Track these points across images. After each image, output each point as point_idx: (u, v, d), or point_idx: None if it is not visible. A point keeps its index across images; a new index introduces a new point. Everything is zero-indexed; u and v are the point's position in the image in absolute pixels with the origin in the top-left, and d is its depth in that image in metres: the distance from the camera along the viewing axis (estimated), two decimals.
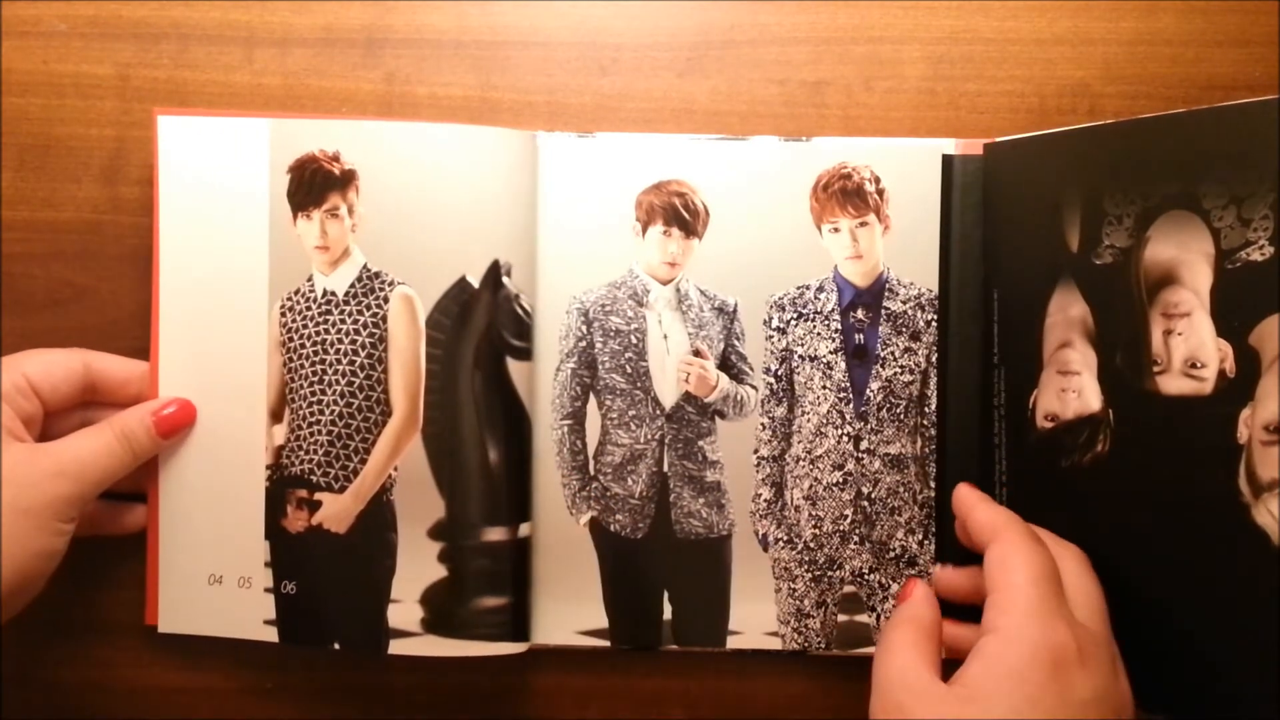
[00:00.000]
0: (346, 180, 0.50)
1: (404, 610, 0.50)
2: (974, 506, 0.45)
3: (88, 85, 0.53)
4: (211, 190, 0.50)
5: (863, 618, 0.51)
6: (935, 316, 0.50)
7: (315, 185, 0.50)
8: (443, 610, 0.50)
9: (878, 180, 0.50)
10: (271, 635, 0.51)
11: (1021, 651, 0.38)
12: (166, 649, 0.52)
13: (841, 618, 0.51)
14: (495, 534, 0.50)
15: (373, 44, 0.52)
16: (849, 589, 0.51)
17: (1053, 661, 0.38)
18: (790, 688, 0.53)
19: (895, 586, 0.51)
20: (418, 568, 0.50)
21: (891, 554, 0.51)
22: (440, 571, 0.50)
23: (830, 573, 0.51)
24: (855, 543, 0.51)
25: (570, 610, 0.51)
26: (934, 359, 0.50)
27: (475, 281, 0.49)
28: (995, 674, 0.38)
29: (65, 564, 0.46)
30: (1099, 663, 0.39)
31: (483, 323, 0.50)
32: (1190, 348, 0.42)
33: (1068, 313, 0.47)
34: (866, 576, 0.51)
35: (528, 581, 0.51)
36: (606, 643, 0.51)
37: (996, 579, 0.41)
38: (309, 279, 0.50)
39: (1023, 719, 0.37)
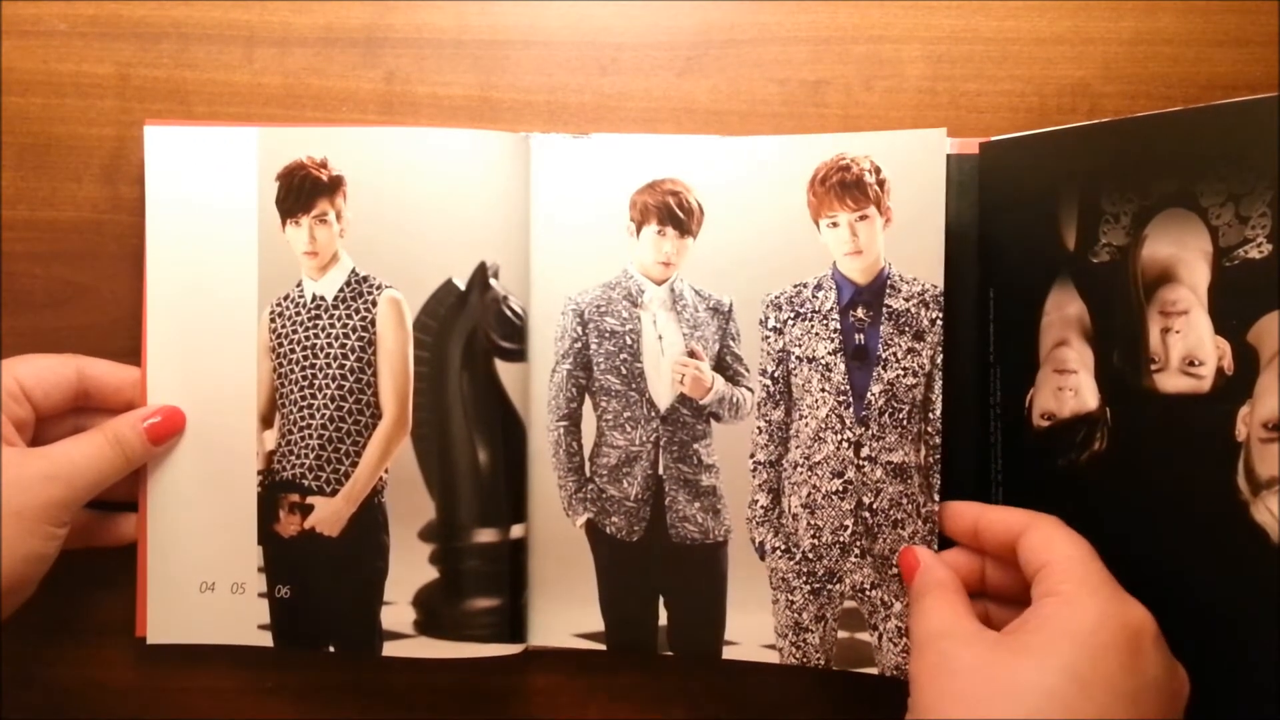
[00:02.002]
0: (334, 186, 0.50)
1: (397, 612, 0.51)
2: (983, 511, 0.46)
3: (88, 85, 0.53)
4: (201, 199, 0.51)
5: (864, 636, 0.50)
6: (940, 314, 0.48)
7: (304, 192, 0.50)
8: (435, 612, 0.50)
9: (878, 171, 0.49)
10: (266, 640, 0.51)
11: (1087, 616, 0.38)
12: (166, 649, 0.53)
13: (842, 634, 0.50)
14: (487, 535, 0.50)
15: (373, 44, 0.53)
16: (849, 604, 0.50)
17: (1129, 634, 0.38)
18: (791, 688, 0.53)
19: (899, 605, 0.49)
20: (410, 570, 0.50)
21: (894, 570, 0.49)
22: (432, 573, 0.50)
23: (830, 586, 0.50)
24: (856, 555, 0.49)
25: (568, 612, 0.52)
26: (939, 360, 0.48)
27: (462, 284, 0.50)
28: (1055, 631, 0.38)
29: (65, 565, 0.47)
30: (1165, 646, 0.39)
31: (469, 324, 0.50)
32: (1188, 345, 0.42)
33: (1064, 311, 0.47)
34: (868, 592, 0.50)
35: (523, 583, 0.51)
36: (602, 646, 0.52)
37: (1043, 557, 0.41)
38: (298, 284, 0.51)
39: (1084, 679, 0.36)
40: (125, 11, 0.53)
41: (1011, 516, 0.44)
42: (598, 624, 0.52)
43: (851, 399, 0.49)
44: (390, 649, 0.50)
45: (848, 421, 0.49)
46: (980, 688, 0.37)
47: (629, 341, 0.51)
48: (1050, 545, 0.41)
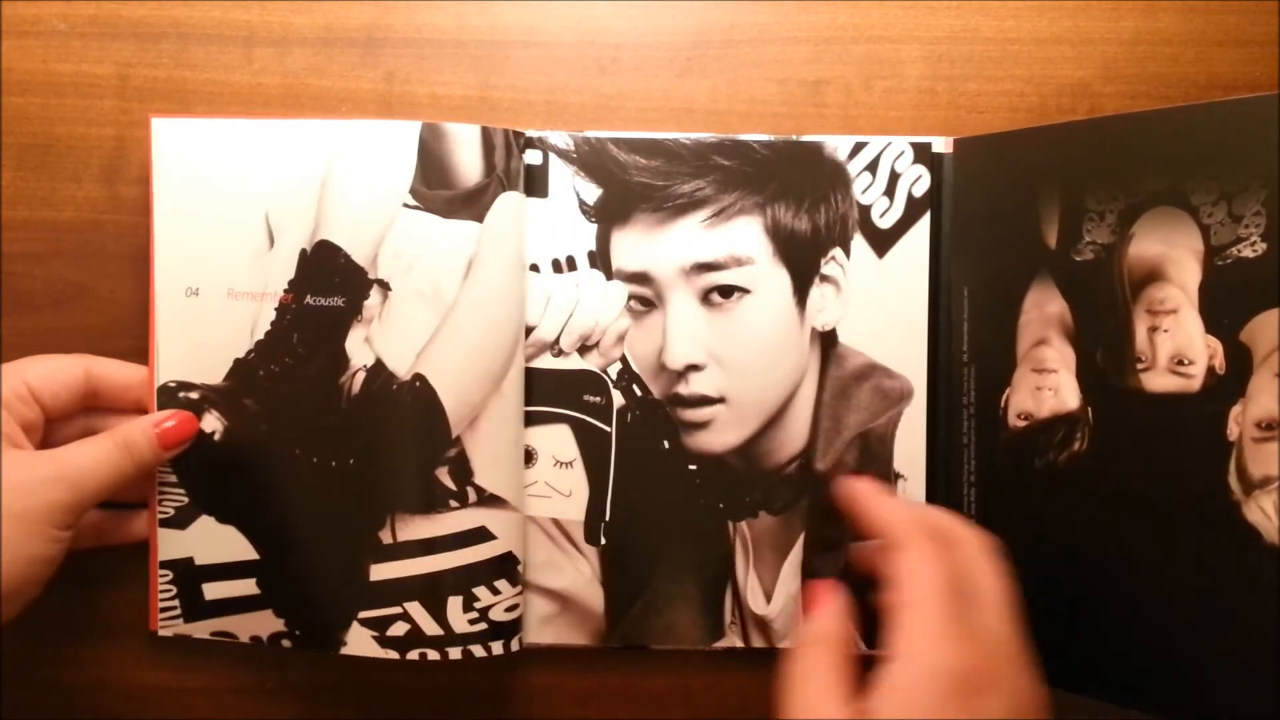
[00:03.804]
0: None
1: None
2: (871, 501, 0.45)
3: (88, 85, 0.54)
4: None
5: None
6: None
7: None
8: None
9: None
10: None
11: (921, 679, 0.38)
12: (167, 649, 0.54)
13: None
14: None
15: (373, 44, 0.54)
16: None
17: (955, 688, 0.38)
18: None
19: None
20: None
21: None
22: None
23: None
24: None
25: None
26: None
27: None
28: (893, 703, 0.38)
29: (68, 565, 0.47)
30: (1006, 679, 0.39)
31: None
32: (1177, 344, 0.43)
33: (1044, 310, 0.48)
34: None
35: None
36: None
37: (898, 594, 0.40)
38: None
39: None
40: (125, 11, 0.54)
41: (889, 522, 0.43)
42: None
43: None
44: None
45: None
46: None
47: None
48: (904, 583, 0.41)
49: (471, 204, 0.51)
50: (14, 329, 0.54)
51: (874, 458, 0.53)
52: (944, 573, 0.40)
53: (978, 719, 0.37)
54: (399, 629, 0.51)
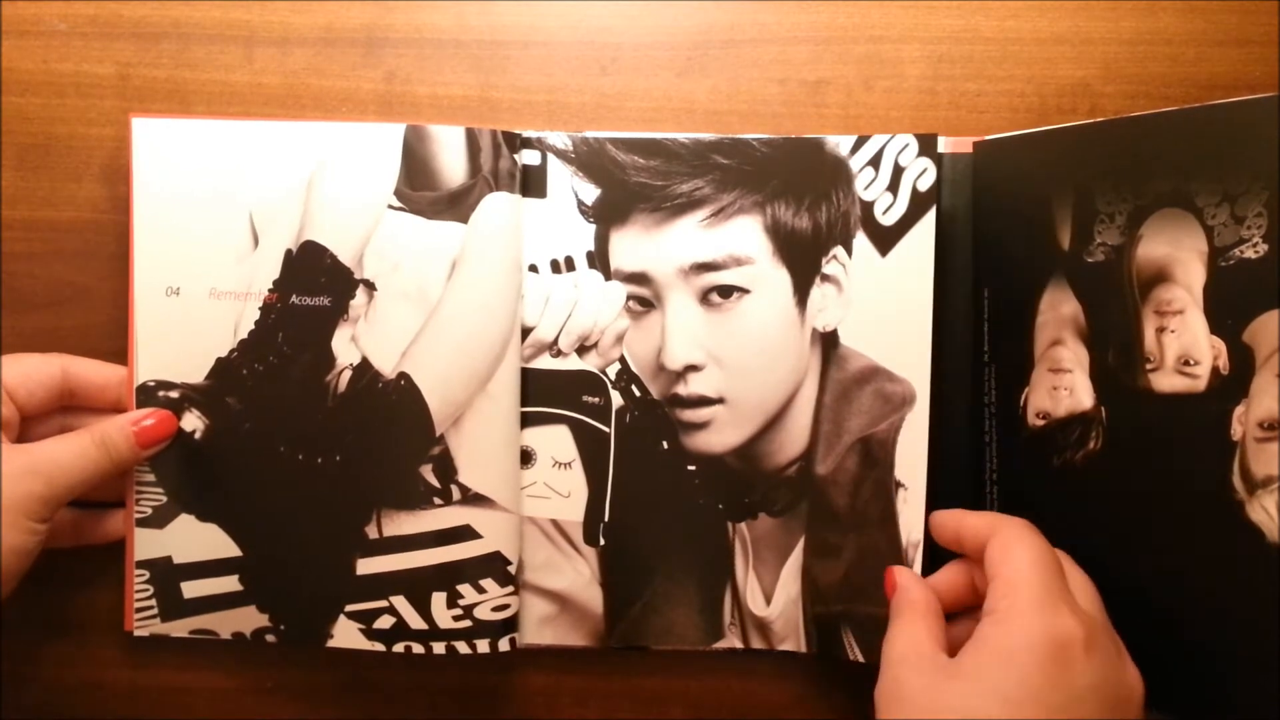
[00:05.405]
0: None
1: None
2: (963, 516, 0.47)
3: (88, 85, 0.54)
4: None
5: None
6: None
7: None
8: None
9: None
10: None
11: (1019, 635, 0.39)
12: (165, 649, 0.54)
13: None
14: None
15: (373, 44, 0.54)
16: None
17: (1055, 647, 0.39)
18: (790, 687, 0.54)
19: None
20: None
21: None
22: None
23: None
24: None
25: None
26: None
27: None
28: (988, 653, 0.39)
29: (46, 564, 0.47)
30: (1104, 651, 0.40)
31: None
32: (1183, 345, 0.43)
33: (1059, 310, 0.48)
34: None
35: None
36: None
37: (998, 568, 0.42)
38: None
39: (1013, 700, 0.38)
40: (125, 11, 0.54)
41: (982, 522, 0.45)
42: None
43: None
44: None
45: None
46: (922, 713, 0.39)
47: None
48: (1006, 555, 0.42)
49: (456, 205, 0.50)
50: (13, 329, 0.54)
51: (875, 464, 0.51)
52: (1041, 547, 0.42)
53: (1069, 681, 0.38)
54: (385, 622, 0.51)
